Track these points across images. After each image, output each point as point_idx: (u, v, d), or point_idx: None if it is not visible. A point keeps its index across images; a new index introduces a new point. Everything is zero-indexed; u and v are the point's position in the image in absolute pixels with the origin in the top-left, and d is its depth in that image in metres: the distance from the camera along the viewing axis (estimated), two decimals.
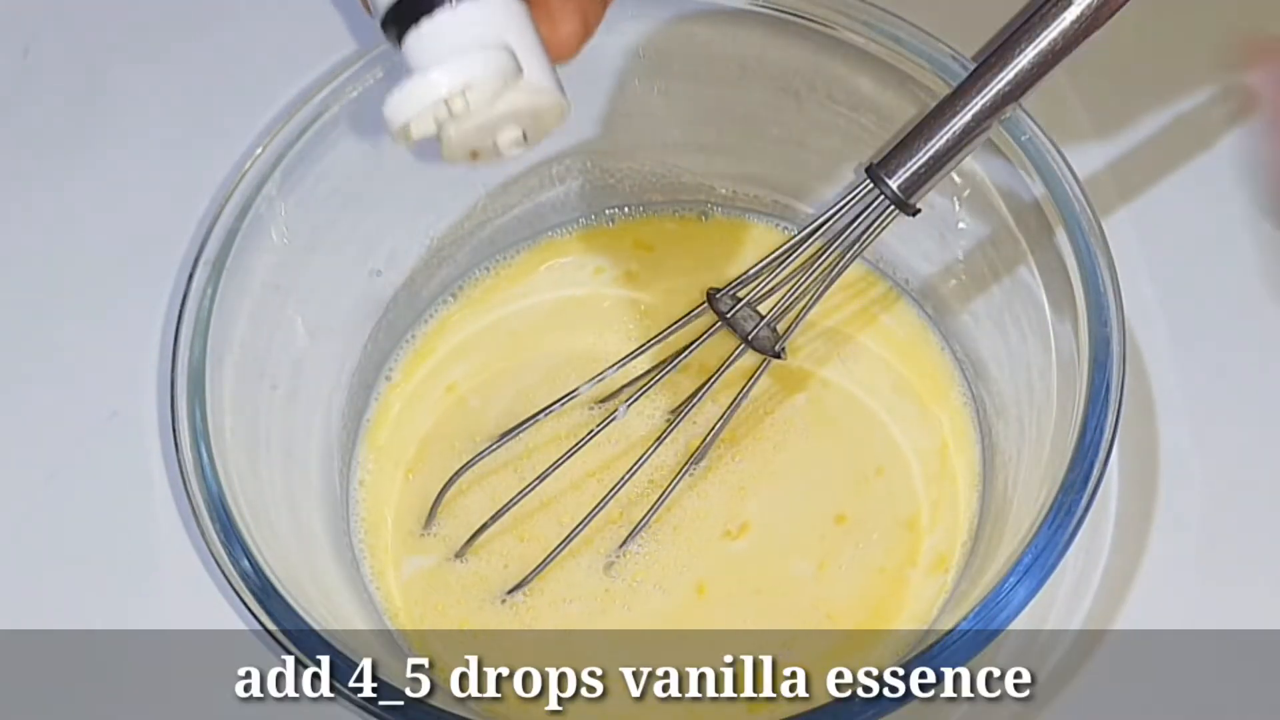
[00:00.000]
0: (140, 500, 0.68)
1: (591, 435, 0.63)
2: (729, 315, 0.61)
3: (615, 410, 0.64)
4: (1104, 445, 0.55)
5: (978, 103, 0.55)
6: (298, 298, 0.64)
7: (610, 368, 0.63)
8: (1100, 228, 0.58)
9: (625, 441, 0.67)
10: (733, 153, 0.70)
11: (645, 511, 0.64)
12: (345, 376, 0.67)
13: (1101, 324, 0.57)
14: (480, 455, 0.64)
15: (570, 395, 0.63)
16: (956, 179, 0.63)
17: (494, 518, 0.64)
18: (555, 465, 0.63)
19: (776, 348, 0.62)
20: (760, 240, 0.70)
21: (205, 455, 0.57)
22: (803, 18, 0.63)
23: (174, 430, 0.57)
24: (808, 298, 0.61)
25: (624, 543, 0.65)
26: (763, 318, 0.61)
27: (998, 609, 0.53)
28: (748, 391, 0.63)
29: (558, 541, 0.63)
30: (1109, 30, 0.77)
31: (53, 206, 0.76)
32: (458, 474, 0.64)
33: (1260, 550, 0.66)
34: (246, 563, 0.55)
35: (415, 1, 0.48)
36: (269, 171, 0.61)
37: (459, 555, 0.65)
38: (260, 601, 0.55)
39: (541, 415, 0.63)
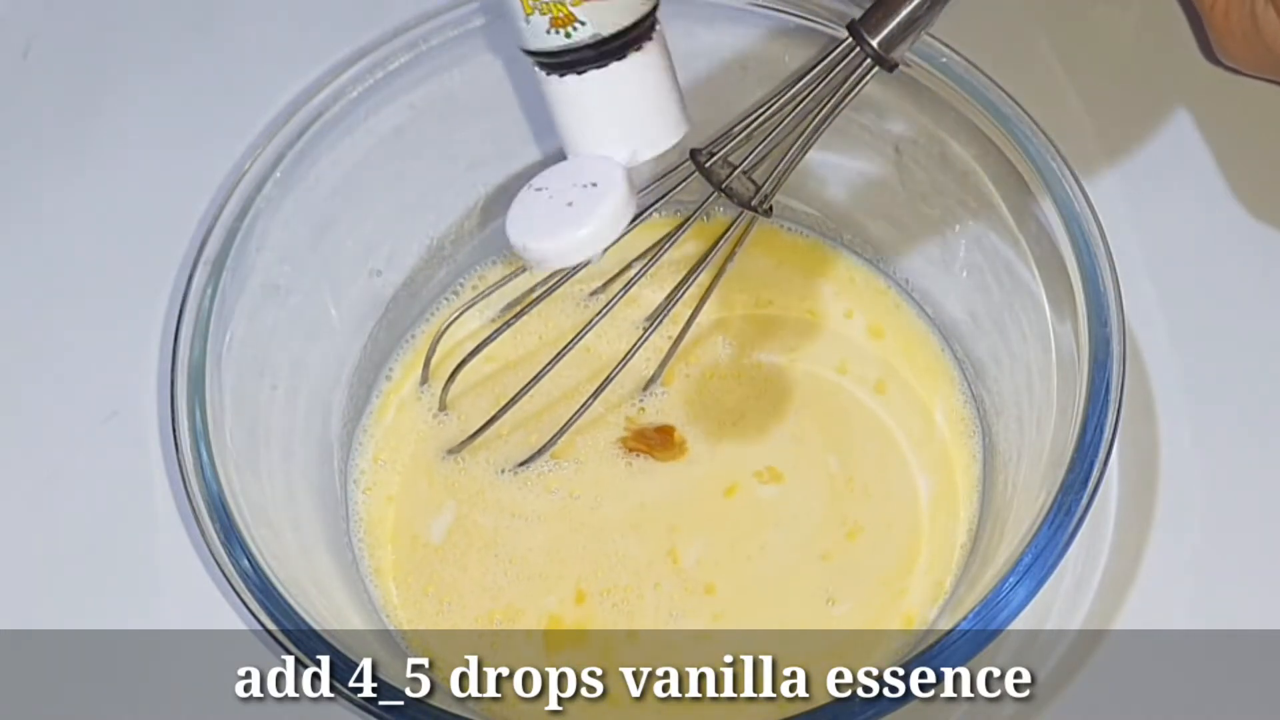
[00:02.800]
0: (140, 500, 0.68)
1: (597, 319, 0.62)
2: (706, 166, 0.61)
3: (612, 299, 0.63)
4: (1104, 445, 0.55)
5: None
6: (298, 297, 0.64)
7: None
8: (1101, 228, 0.58)
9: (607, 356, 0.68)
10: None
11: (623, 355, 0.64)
12: (345, 376, 0.67)
13: (1101, 324, 0.57)
14: (489, 339, 0.65)
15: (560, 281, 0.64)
16: (961, 180, 0.64)
17: (472, 353, 0.65)
18: (560, 355, 0.63)
19: (756, 203, 0.61)
20: (760, 240, 0.70)
21: (205, 455, 0.57)
22: (802, 18, 0.63)
23: (174, 430, 0.57)
24: (790, 155, 0.60)
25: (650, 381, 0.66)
26: (735, 167, 0.61)
27: (998, 609, 0.53)
28: (734, 253, 0.64)
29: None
30: (1112, 31, 0.77)
31: (53, 206, 0.76)
32: (472, 354, 0.65)
33: (1260, 550, 0.66)
34: (246, 562, 0.55)
35: (571, 60, 0.54)
36: (269, 171, 0.61)
37: (452, 452, 0.67)
38: (260, 601, 0.55)
39: (541, 296, 0.64)
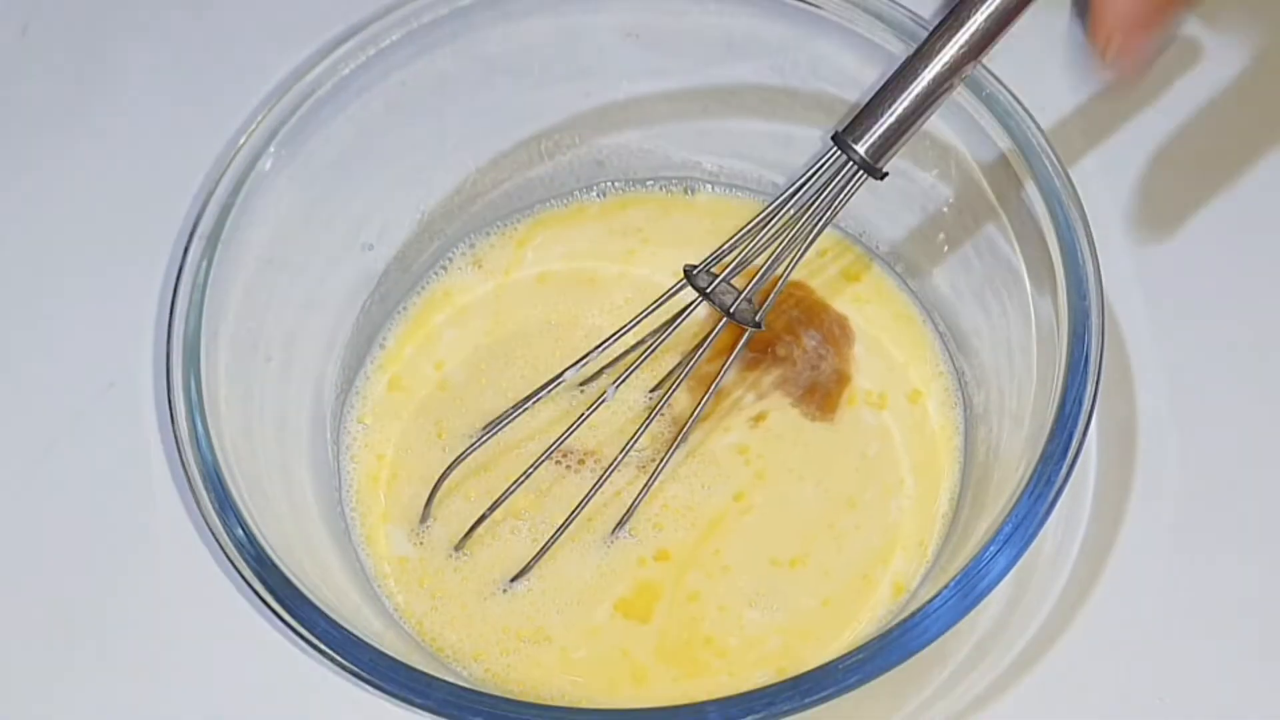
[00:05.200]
0: (137, 470, 0.69)
1: (583, 419, 0.62)
2: (708, 291, 0.60)
3: (604, 393, 0.62)
4: (1083, 416, 0.56)
5: (937, 64, 0.54)
6: (291, 271, 0.65)
7: (593, 351, 0.62)
8: (1080, 202, 0.59)
9: (610, 424, 0.67)
10: (719, 129, 0.70)
11: (637, 493, 0.64)
12: (338, 349, 0.68)
13: (1080, 297, 0.57)
14: (469, 450, 0.63)
15: (556, 381, 0.62)
16: (938, 152, 0.64)
17: (492, 507, 0.62)
18: (548, 452, 0.62)
19: (756, 318, 0.61)
20: (746, 216, 0.69)
21: (200, 426, 0.58)
22: None
23: (170, 401, 0.58)
24: (783, 267, 0.60)
25: (619, 525, 0.64)
26: (740, 292, 0.60)
27: (978, 578, 0.54)
28: (730, 365, 0.62)
29: (554, 529, 0.63)
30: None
31: (50, 181, 0.76)
32: (449, 469, 0.63)
33: (1236, 519, 0.67)
34: (241, 531, 0.56)
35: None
36: (264, 146, 0.62)
37: (458, 548, 0.65)
38: (255, 570, 0.55)
39: (528, 404, 0.62)
